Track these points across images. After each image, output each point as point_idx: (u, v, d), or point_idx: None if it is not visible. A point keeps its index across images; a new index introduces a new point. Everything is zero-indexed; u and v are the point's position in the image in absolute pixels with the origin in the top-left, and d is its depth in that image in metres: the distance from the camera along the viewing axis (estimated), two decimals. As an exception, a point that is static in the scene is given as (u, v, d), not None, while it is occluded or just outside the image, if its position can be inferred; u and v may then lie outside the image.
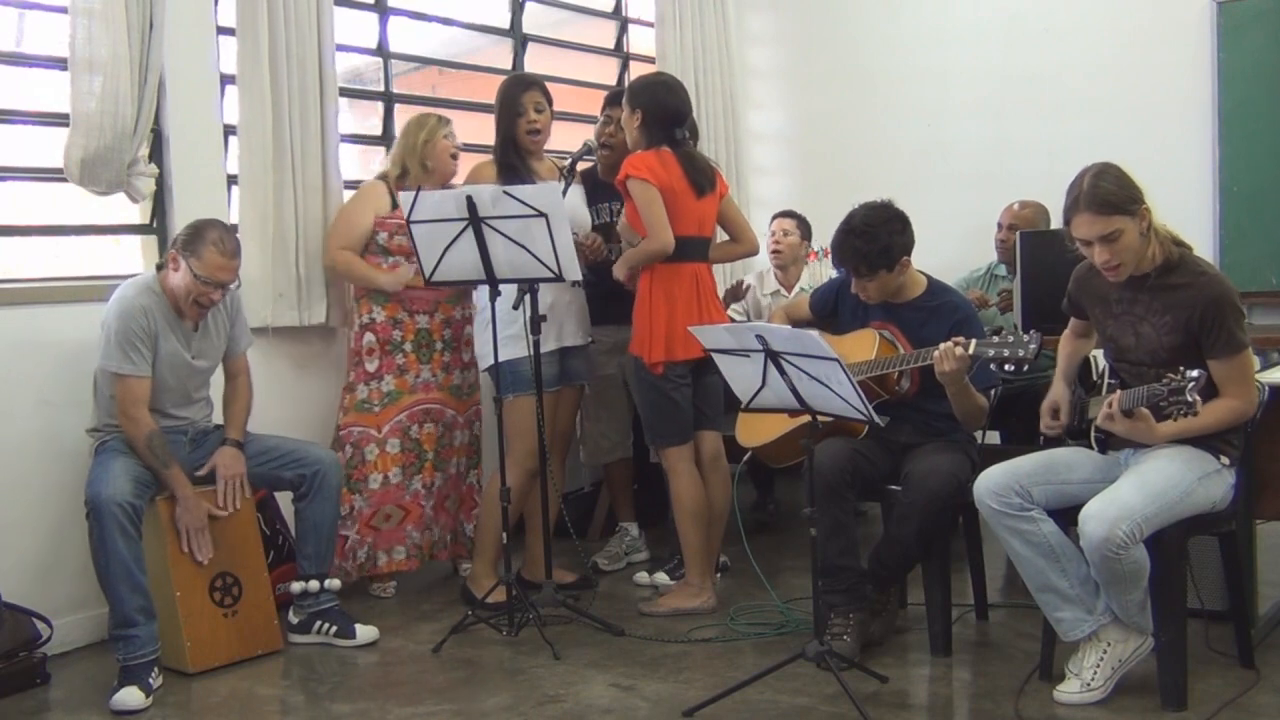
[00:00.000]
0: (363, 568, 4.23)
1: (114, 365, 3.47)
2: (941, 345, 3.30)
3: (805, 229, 5.31)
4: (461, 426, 4.45)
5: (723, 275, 5.46)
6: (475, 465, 4.54)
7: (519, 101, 4.12)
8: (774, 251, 5.24)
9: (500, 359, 3.86)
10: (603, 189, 4.48)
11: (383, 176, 4.31)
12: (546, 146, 4.33)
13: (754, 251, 4.29)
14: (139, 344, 3.48)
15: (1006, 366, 3.24)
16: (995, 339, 3.28)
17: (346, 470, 4.19)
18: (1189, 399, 2.77)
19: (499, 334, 3.82)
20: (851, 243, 3.52)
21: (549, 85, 4.31)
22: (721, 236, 4.24)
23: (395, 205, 4.17)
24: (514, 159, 4.14)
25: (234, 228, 4.25)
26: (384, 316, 4.26)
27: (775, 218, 5.34)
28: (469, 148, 4.50)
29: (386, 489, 4.25)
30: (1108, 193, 2.92)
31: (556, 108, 4.33)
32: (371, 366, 4.26)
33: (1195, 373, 2.80)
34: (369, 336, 4.26)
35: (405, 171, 4.26)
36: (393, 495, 4.26)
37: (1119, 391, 3.00)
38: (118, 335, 3.47)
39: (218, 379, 3.83)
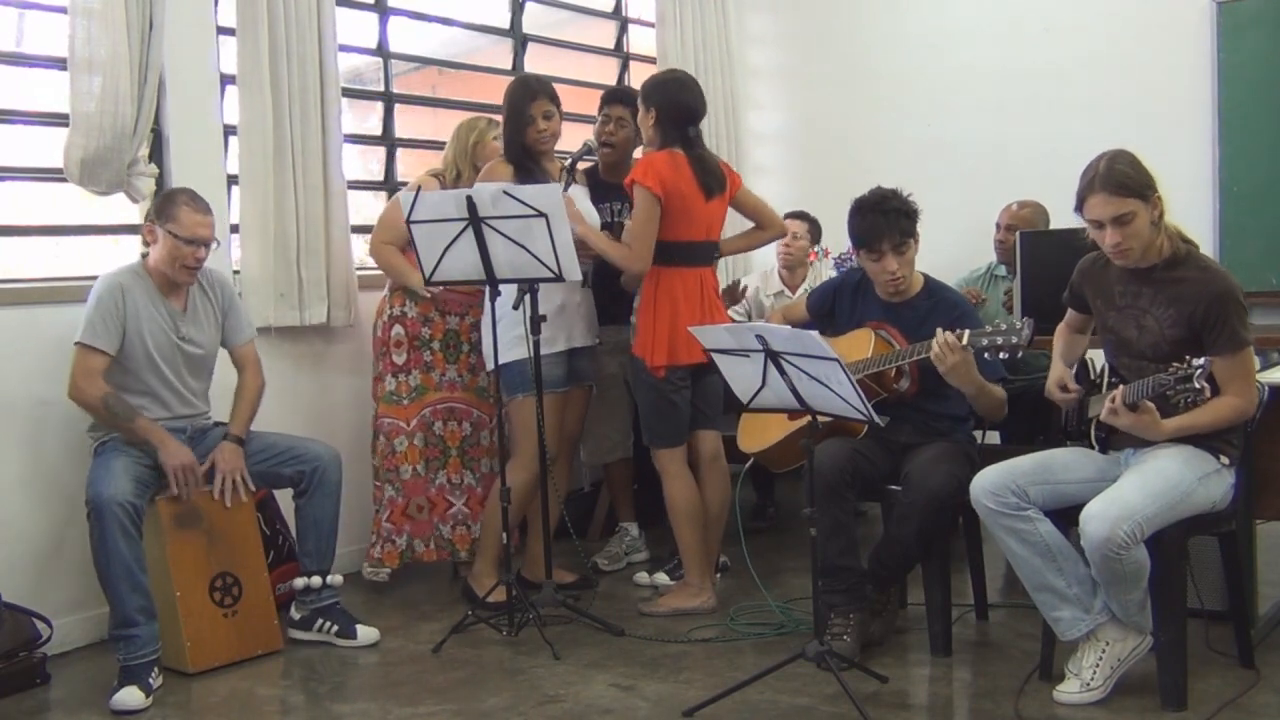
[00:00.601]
0: (403, 555, 4.28)
1: (78, 334, 3.49)
2: (936, 339, 3.30)
3: (816, 231, 5.29)
4: (490, 427, 4.46)
5: (724, 274, 5.47)
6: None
7: (526, 112, 4.10)
8: (784, 252, 5.22)
9: (507, 360, 3.86)
10: (604, 188, 4.47)
11: (437, 175, 4.36)
12: (547, 148, 4.34)
13: (782, 234, 4.43)
14: (107, 318, 3.50)
15: (1002, 355, 3.25)
16: (989, 328, 3.29)
17: (378, 460, 4.27)
18: (1197, 385, 2.75)
19: (507, 335, 3.84)
20: (881, 212, 3.51)
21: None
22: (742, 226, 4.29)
23: None
24: (525, 160, 4.13)
25: (234, 227, 4.28)
26: (415, 313, 4.30)
27: (785, 218, 5.29)
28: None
29: (416, 480, 4.31)
30: (1124, 175, 2.93)
31: (556, 108, 4.33)
32: (399, 359, 4.29)
33: (1202, 360, 2.77)
34: (398, 329, 4.29)
35: (459, 174, 4.35)
36: (421, 488, 4.32)
37: (1122, 386, 3.00)
38: (89, 308, 3.51)
39: (220, 382, 3.83)
